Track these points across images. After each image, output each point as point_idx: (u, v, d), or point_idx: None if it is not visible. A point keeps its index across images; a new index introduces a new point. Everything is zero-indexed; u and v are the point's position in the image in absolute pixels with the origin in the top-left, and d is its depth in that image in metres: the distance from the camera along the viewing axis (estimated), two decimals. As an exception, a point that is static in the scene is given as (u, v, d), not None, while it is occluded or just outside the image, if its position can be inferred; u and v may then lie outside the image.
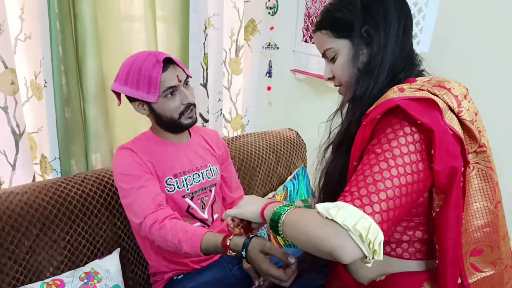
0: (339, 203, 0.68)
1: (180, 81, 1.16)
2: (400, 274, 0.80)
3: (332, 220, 0.66)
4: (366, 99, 0.81)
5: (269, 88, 1.87)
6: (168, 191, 1.22)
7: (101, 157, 1.45)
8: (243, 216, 0.95)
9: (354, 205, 0.67)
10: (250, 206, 0.94)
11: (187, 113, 1.19)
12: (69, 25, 1.26)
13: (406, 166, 0.68)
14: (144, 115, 1.23)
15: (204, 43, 1.53)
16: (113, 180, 1.29)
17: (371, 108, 0.76)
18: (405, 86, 0.76)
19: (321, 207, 0.69)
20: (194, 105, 1.22)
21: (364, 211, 0.65)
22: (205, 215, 1.30)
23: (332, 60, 0.86)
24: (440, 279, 0.74)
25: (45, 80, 1.27)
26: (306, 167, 1.83)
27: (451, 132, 0.70)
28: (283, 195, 1.63)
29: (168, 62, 1.15)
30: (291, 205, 0.83)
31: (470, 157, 0.73)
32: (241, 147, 1.65)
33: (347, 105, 0.91)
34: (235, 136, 1.72)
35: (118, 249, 1.28)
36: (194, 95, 1.23)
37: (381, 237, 0.65)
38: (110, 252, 1.27)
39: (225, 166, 1.41)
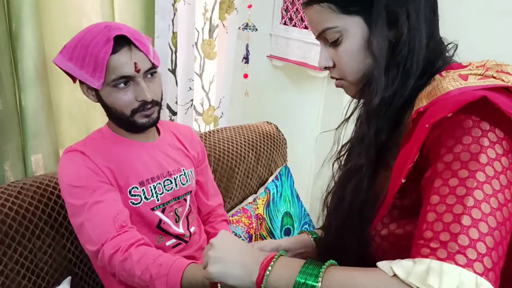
0: (434, 264, 0.47)
1: (138, 71, 0.89)
2: None
3: None
4: (398, 99, 0.62)
5: (245, 76, 1.64)
6: (133, 203, 0.97)
7: (43, 159, 1.16)
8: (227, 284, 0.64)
9: (457, 264, 0.46)
10: (232, 271, 0.62)
11: (142, 112, 0.93)
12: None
13: (505, 190, 0.49)
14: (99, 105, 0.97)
15: (173, 20, 1.27)
16: (59, 190, 1.02)
17: (423, 104, 0.56)
18: (462, 71, 0.58)
19: (404, 271, 0.48)
20: (157, 103, 0.96)
21: (474, 271, 0.46)
22: (180, 230, 1.06)
23: (334, 43, 0.65)
24: None
25: (-35, 61, 0.96)
26: (287, 165, 1.63)
27: None
28: (265, 199, 1.43)
29: (124, 41, 0.88)
30: (315, 265, 0.56)
31: None
32: (216, 144, 1.42)
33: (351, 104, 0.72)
34: (209, 132, 1.48)
35: (69, 278, 1.01)
36: (161, 89, 0.98)
37: None
38: (58, 282, 1.00)
39: (201, 169, 1.18)
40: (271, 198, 1.43)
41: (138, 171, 0.99)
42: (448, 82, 0.55)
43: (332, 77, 0.71)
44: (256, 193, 1.49)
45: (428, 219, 0.51)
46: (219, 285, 0.71)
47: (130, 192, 0.97)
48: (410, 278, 0.48)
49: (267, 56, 1.86)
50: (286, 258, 0.62)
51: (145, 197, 0.99)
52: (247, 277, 0.60)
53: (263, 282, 0.58)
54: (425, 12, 0.62)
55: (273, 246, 0.81)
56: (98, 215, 0.87)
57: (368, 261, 0.66)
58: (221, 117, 1.64)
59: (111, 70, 0.87)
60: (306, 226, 1.47)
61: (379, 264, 0.53)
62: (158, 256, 0.83)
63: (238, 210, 1.38)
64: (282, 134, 1.66)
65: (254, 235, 1.34)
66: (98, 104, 0.98)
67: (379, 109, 0.62)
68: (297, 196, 1.51)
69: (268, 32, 1.82)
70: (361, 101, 0.70)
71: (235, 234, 1.31)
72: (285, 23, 1.75)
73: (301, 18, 1.68)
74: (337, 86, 0.71)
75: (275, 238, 1.37)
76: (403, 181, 0.56)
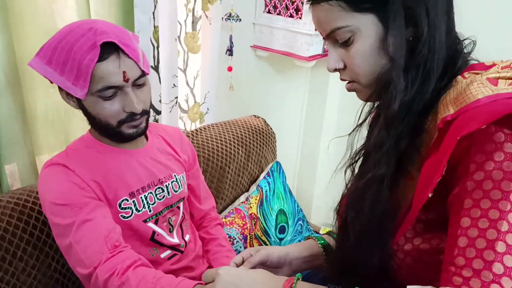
0: None
1: (126, 80, 0.81)
2: None
3: None
4: (418, 103, 0.58)
5: (230, 69, 1.56)
6: (124, 217, 0.91)
7: (18, 170, 1.07)
8: None
9: None
10: None
11: (129, 122, 0.86)
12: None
13: None
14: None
15: (153, 13, 1.18)
16: (40, 205, 0.93)
17: (450, 111, 0.52)
18: (490, 74, 0.54)
19: None
20: (146, 112, 0.89)
21: None
22: (175, 240, 1.00)
23: (345, 44, 0.61)
24: None
25: None
26: (277, 160, 1.59)
27: None
28: (258, 197, 1.38)
29: (112, 48, 0.79)
30: None
31: None
32: (205, 143, 1.36)
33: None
34: (196, 130, 1.41)
35: (57, 299, 0.94)
36: (150, 97, 0.90)
37: None
38: (45, 305, 0.93)
39: (192, 172, 1.12)
40: (264, 196, 1.38)
41: (127, 182, 0.92)
42: (477, 88, 0.51)
43: (342, 79, 0.67)
44: (247, 191, 1.44)
45: (460, 244, 0.49)
46: None
47: (120, 205, 0.90)
48: None
49: (250, 46, 1.78)
50: (305, 284, 0.60)
51: (136, 209, 0.93)
52: None
53: None
54: (442, 6, 0.58)
55: (281, 254, 0.77)
56: (88, 235, 0.80)
57: (388, 276, 0.63)
58: (206, 113, 1.57)
59: (97, 79, 0.78)
60: (300, 222, 1.44)
61: None
62: (159, 279, 0.77)
63: (231, 211, 1.33)
64: (271, 128, 1.61)
65: (248, 236, 1.30)
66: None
67: (399, 114, 0.58)
68: (290, 192, 1.47)
69: (251, 21, 1.74)
70: (376, 104, 0.66)
71: (229, 236, 1.26)
72: (269, 12, 1.67)
73: (286, 6, 1.61)
74: (349, 89, 0.66)
75: (270, 237, 1.33)
76: (430, 195, 0.52)
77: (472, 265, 0.46)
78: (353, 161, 0.69)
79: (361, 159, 0.69)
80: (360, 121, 0.67)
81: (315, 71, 1.99)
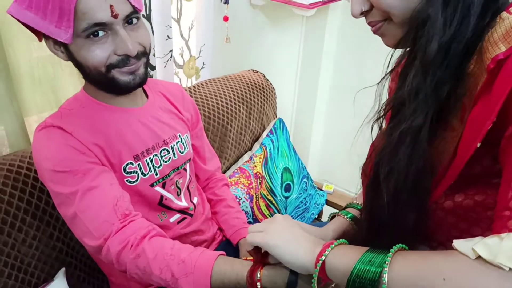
0: None
1: (115, 16, 0.70)
2: None
3: None
4: (458, 43, 0.51)
5: (226, 19, 1.45)
6: (130, 182, 0.84)
7: (7, 134, 0.97)
8: (281, 260, 0.61)
9: None
10: (292, 247, 0.61)
11: (122, 67, 0.75)
12: None
13: None
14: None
15: (143, -46, 1.05)
16: (35, 171, 0.86)
17: (502, 49, 0.46)
18: None
19: (490, 251, 0.42)
20: (144, 53, 0.78)
21: None
22: (183, 203, 0.95)
23: None
24: None
25: None
26: (280, 117, 1.52)
27: None
28: (262, 156, 1.33)
29: None
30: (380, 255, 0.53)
31: None
32: (204, 100, 1.27)
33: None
34: (194, 86, 1.32)
35: (63, 269, 0.89)
36: (147, 37, 0.79)
37: None
38: (51, 275, 0.88)
39: (195, 132, 1.04)
40: (268, 155, 1.33)
41: (130, 144, 0.84)
42: None
43: (370, 23, 0.59)
44: (250, 150, 1.39)
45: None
46: (259, 272, 0.63)
47: (124, 169, 0.83)
48: (499, 259, 0.42)
49: (245, -7, 1.65)
50: (345, 246, 0.58)
51: (142, 173, 0.86)
52: (311, 253, 0.58)
53: (322, 256, 0.56)
54: None
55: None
56: (95, 204, 0.73)
57: (421, 236, 0.59)
58: (202, 68, 1.47)
59: (80, 16, 0.68)
60: (305, 180, 1.40)
61: (456, 245, 0.47)
62: (178, 250, 0.72)
63: (236, 171, 1.28)
64: (271, 83, 1.53)
65: (255, 195, 1.26)
66: (66, 63, 0.79)
67: (437, 56, 0.51)
68: (294, 150, 1.42)
69: (244, -35, 1.60)
70: (407, 50, 0.59)
71: (236, 197, 1.22)
72: (265, -46, 1.53)
73: None
74: (376, 32, 0.59)
75: (276, 196, 1.30)
76: (478, 145, 0.47)
77: None
78: (380, 115, 0.63)
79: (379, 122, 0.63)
80: (389, 69, 0.60)
81: (311, 20, 1.88)
